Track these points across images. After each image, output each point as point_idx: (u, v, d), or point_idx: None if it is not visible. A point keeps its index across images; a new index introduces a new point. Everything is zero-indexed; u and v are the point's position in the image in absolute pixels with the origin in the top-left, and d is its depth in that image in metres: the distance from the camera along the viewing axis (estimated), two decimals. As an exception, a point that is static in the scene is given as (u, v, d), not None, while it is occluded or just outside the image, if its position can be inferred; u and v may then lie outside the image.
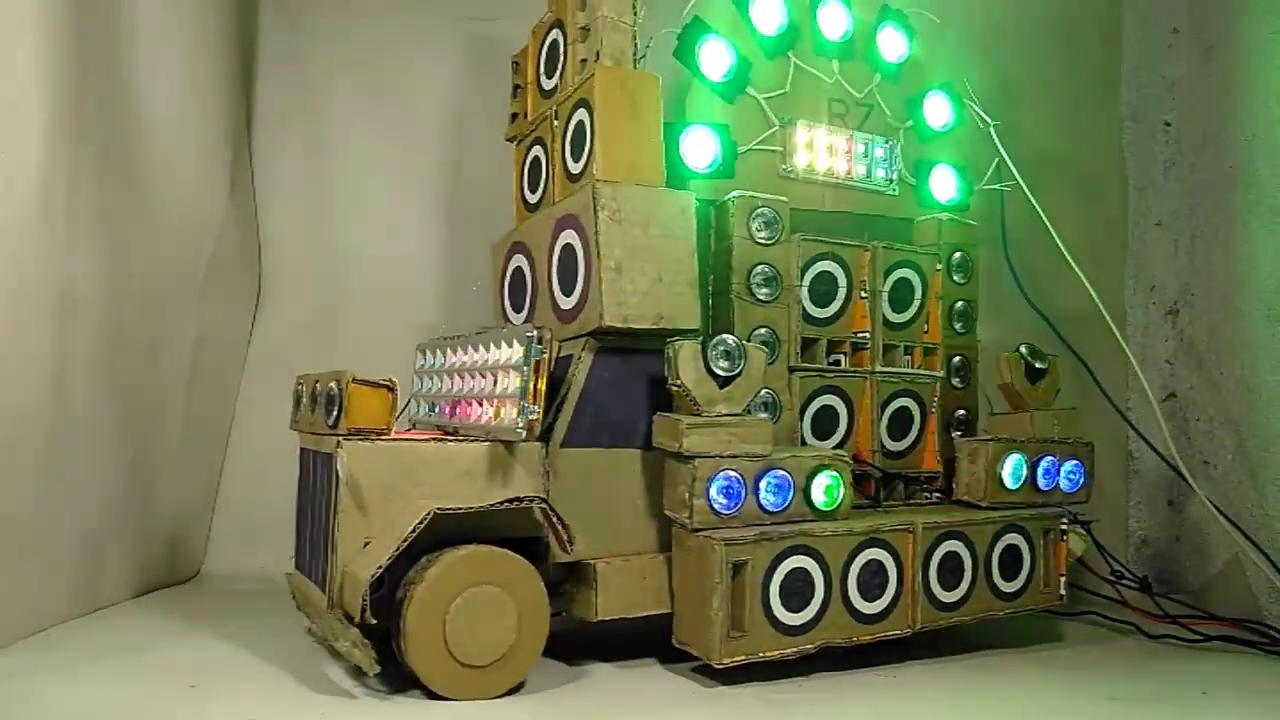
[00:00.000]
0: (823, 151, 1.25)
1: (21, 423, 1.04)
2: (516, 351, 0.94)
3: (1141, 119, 1.72)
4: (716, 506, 0.97)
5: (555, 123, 1.13)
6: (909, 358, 1.26)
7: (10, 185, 1.00)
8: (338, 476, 0.90)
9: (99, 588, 1.23)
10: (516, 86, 1.27)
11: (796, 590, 0.99)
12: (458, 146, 1.65)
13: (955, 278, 1.31)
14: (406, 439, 0.94)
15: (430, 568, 0.87)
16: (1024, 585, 1.18)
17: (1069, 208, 1.56)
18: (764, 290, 1.15)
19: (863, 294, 1.23)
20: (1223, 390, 1.54)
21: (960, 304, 1.32)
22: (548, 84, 1.16)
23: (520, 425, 0.91)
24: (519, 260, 1.19)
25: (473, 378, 1.04)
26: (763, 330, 1.14)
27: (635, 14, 1.06)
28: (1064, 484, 1.23)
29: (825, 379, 1.19)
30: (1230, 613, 1.31)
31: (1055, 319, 1.43)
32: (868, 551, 1.05)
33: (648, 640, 1.04)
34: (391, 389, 0.93)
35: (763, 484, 1.00)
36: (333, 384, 0.93)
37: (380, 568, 0.84)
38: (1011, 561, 1.17)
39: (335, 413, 0.92)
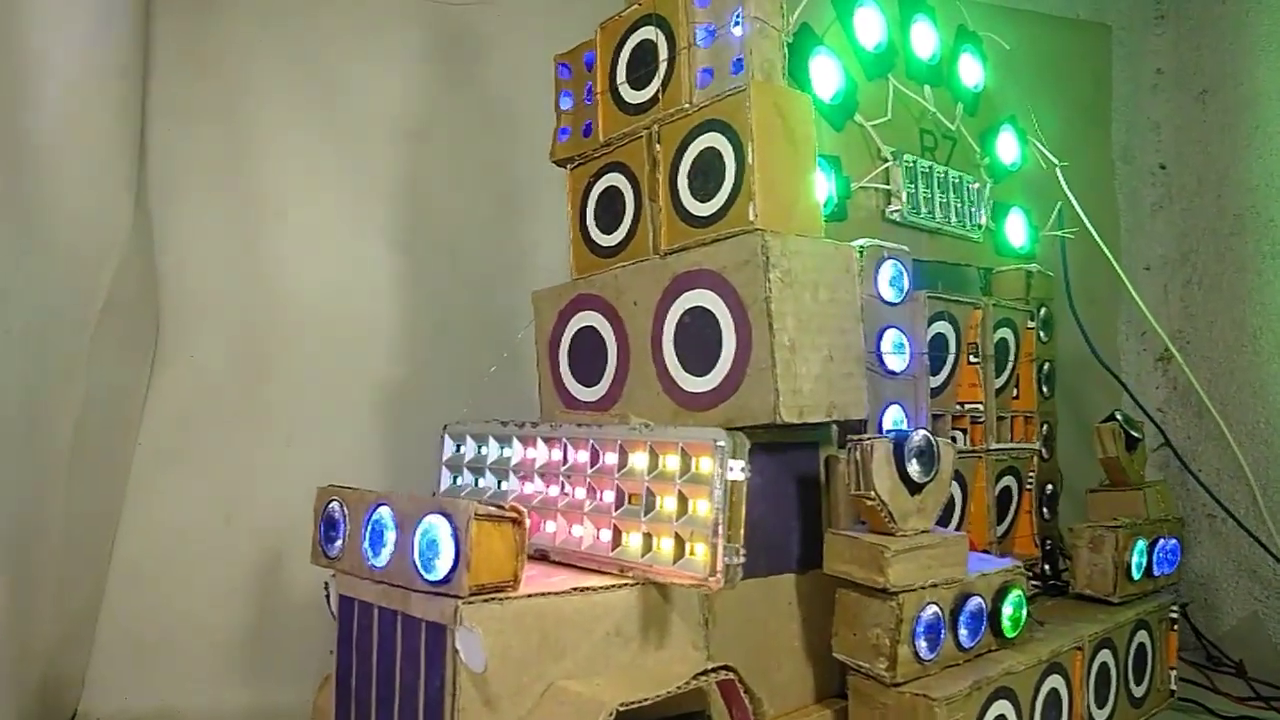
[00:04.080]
0: (922, 187, 1.07)
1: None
2: (691, 463, 0.69)
3: (1132, 160, 1.67)
4: (921, 652, 0.76)
5: (657, 147, 0.87)
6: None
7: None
8: (456, 659, 0.62)
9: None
10: (564, 95, 1.00)
11: (1002, 745, 0.80)
12: (418, 156, 1.34)
13: (1042, 336, 1.17)
14: (543, 593, 0.66)
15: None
16: (1149, 687, 1.05)
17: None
18: (894, 358, 0.95)
19: (972, 358, 1.06)
20: (1230, 441, 1.50)
21: (1046, 365, 1.18)
22: (635, 96, 0.90)
23: (719, 573, 0.65)
24: (590, 320, 0.93)
25: (589, 490, 0.77)
26: (893, 409, 0.95)
27: (784, 15, 0.83)
28: (1166, 566, 1.12)
29: (947, 462, 1.01)
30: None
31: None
32: (1049, 680, 0.87)
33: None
34: (520, 521, 0.65)
35: (962, 616, 0.80)
36: (438, 519, 0.64)
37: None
38: (1140, 662, 1.04)
39: (452, 564, 0.63)
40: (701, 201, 0.83)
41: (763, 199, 0.78)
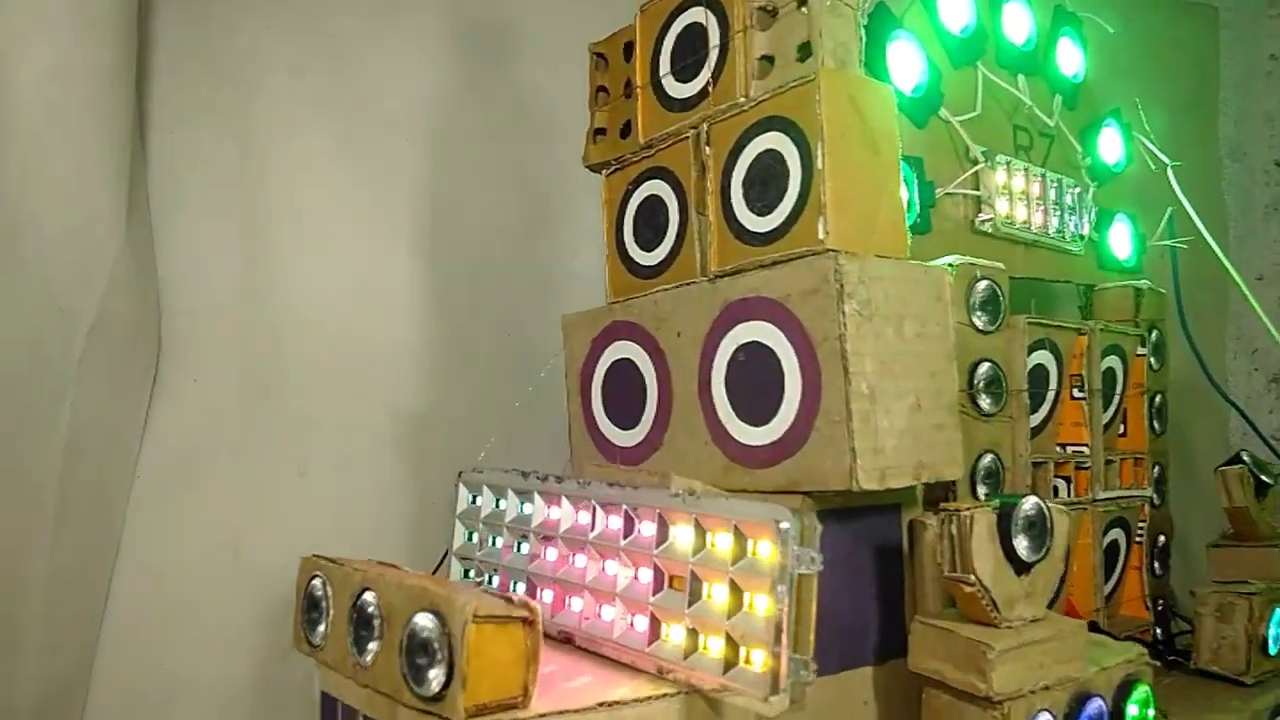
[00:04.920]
0: (1018, 194, 0.91)
1: None
2: (747, 545, 0.55)
3: (1242, 157, 1.49)
4: (1031, 772, 0.62)
5: (706, 150, 0.74)
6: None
7: None
8: (449, 799, 0.49)
9: None
10: (600, 90, 0.87)
11: None
12: (442, 157, 1.22)
13: (1153, 363, 1.01)
14: (560, 712, 0.53)
15: None
16: (1284, 782, 0.89)
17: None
18: (987, 399, 0.80)
19: (1076, 392, 0.91)
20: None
21: (1158, 397, 1.02)
22: (681, 89, 0.77)
23: (782, 690, 0.52)
24: (626, 352, 0.79)
25: (621, 563, 0.63)
26: (988, 459, 0.80)
27: (860, -9, 0.69)
28: (1301, 634, 0.95)
29: (1047, 517, 0.85)
30: None
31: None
32: (1181, 794, 0.72)
33: None
34: (531, 621, 0.52)
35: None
36: (428, 620, 0.51)
37: None
38: (1276, 755, 0.87)
39: (446, 678, 0.50)
40: (759, 215, 0.69)
41: (835, 212, 0.64)
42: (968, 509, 0.62)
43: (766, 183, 0.69)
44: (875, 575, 0.69)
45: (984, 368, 0.80)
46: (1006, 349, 0.82)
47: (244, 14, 1.15)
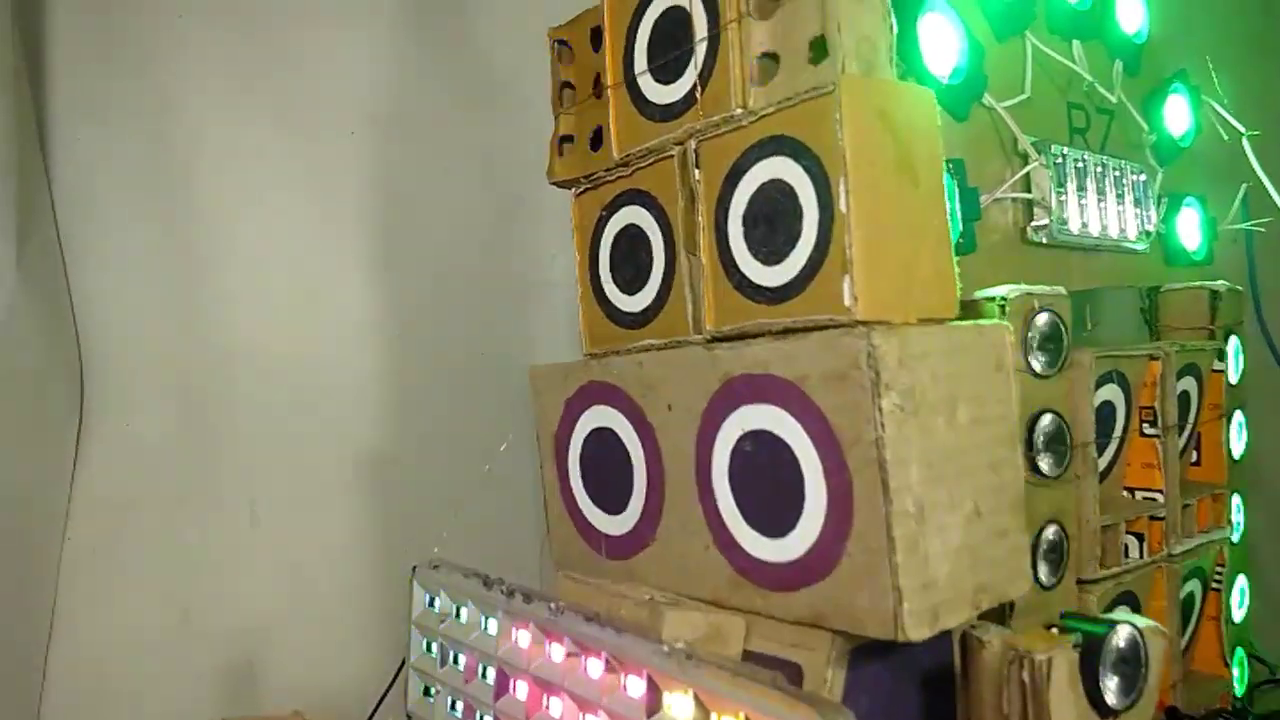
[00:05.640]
0: (1074, 192, 0.76)
1: None
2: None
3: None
4: None
5: (696, 173, 0.58)
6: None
7: None
8: None
9: None
10: (565, 86, 0.71)
11: None
12: (394, 148, 1.06)
13: (1231, 378, 0.86)
14: None
15: None
16: None
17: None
18: (1049, 458, 0.65)
19: (1146, 427, 0.76)
20: None
21: (1237, 414, 0.87)
22: (661, 93, 0.61)
23: None
24: (607, 419, 0.65)
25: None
26: (1050, 531, 0.66)
27: (890, -35, 0.52)
28: None
29: (1120, 583, 0.72)
30: None
31: None
32: None
33: None
34: None
35: None
36: None
37: None
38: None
39: None
40: (765, 263, 0.54)
41: (865, 271, 0.48)
42: (1043, 651, 0.48)
43: (773, 222, 0.53)
44: (922, 710, 0.55)
45: (1045, 420, 0.65)
46: (1070, 393, 0.68)
47: (152, -3, 0.98)
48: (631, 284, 0.64)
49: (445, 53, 1.07)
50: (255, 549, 1.01)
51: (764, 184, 0.54)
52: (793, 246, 0.52)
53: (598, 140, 0.67)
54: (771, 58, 0.55)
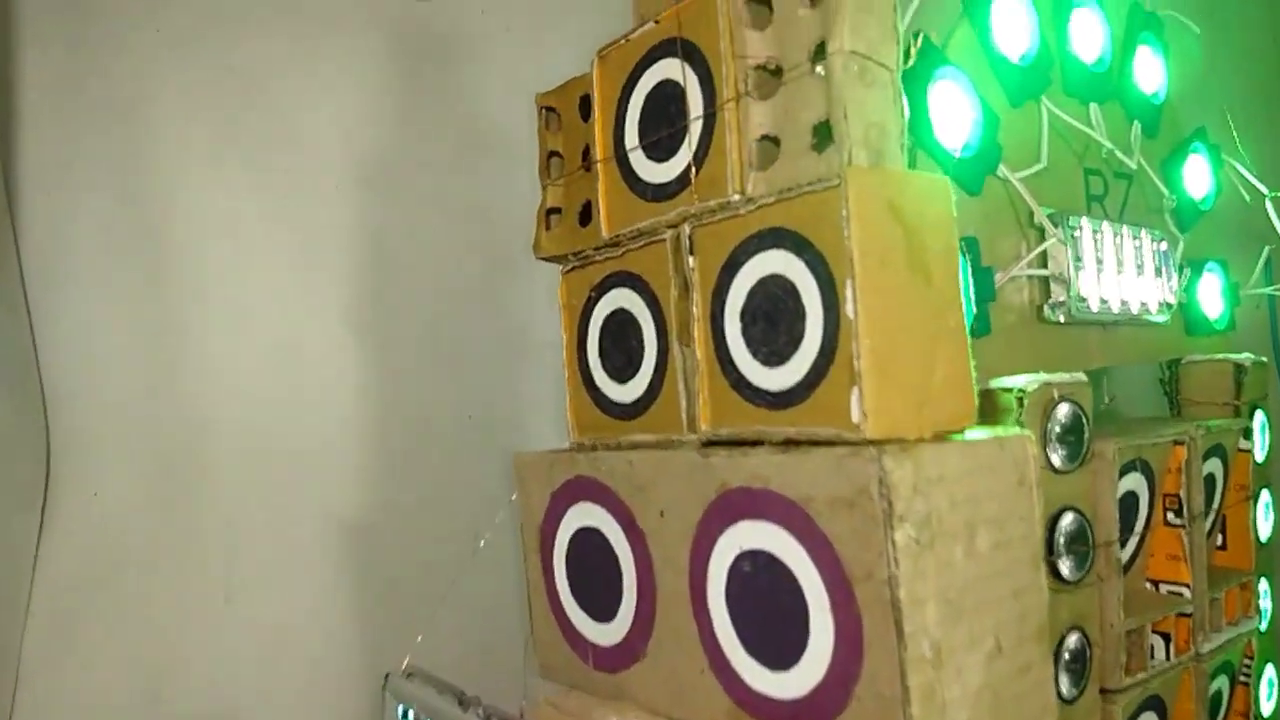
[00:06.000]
0: (1093, 266, 0.71)
1: None
2: None
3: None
4: None
5: (690, 261, 0.54)
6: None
7: None
8: None
9: None
10: (553, 155, 0.67)
11: None
12: (381, 205, 1.02)
13: (1257, 456, 0.82)
14: None
15: None
16: None
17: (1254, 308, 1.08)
18: (1070, 561, 0.61)
19: (1171, 517, 0.72)
20: None
21: (1264, 495, 0.82)
22: (654, 171, 0.57)
23: None
24: (594, 518, 0.60)
25: None
26: (1073, 640, 0.61)
27: (900, 42, 0.48)
28: None
29: (1146, 689, 0.67)
30: None
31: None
32: None
33: None
34: None
35: None
36: None
37: None
38: None
39: None
40: (765, 364, 0.49)
41: (875, 384, 0.44)
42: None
43: (774, 320, 0.49)
44: None
45: (1066, 520, 0.61)
46: (1093, 488, 0.63)
47: (129, 47, 0.94)
48: (622, 372, 0.60)
49: (435, 106, 1.03)
50: (229, 626, 0.96)
51: (764, 278, 0.49)
52: (795, 349, 0.47)
53: (587, 215, 0.63)
54: (772, 140, 0.50)
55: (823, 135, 0.47)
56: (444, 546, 0.97)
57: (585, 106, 0.63)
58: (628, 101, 0.58)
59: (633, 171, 0.58)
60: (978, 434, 0.48)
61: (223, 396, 0.96)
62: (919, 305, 0.46)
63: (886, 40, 0.47)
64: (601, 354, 0.62)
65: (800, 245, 0.47)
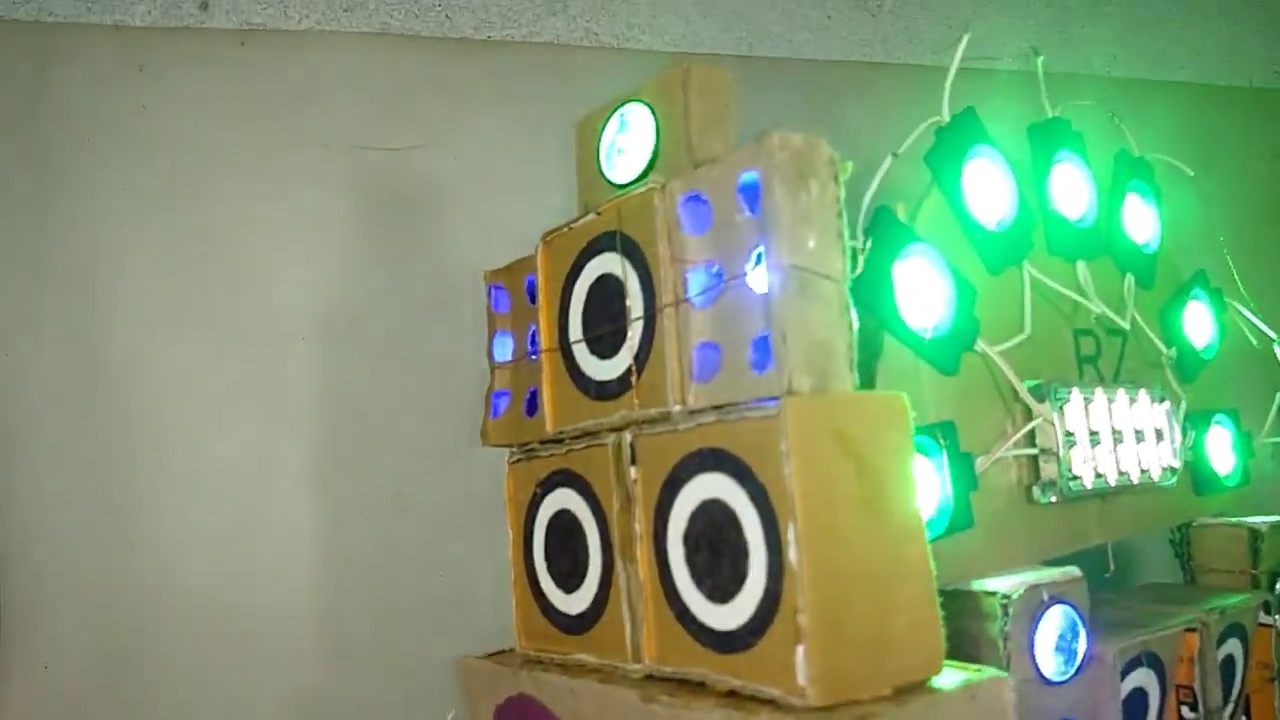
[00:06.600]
0: (1086, 440, 0.66)
1: None
2: None
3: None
4: None
5: (632, 471, 0.49)
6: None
7: None
8: None
9: None
10: (499, 335, 0.63)
11: None
12: (346, 359, 0.98)
13: (1281, 629, 0.75)
14: None
15: None
16: None
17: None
18: (1072, 787, 0.54)
19: (1185, 711, 0.65)
20: None
21: (1291, 674, 0.75)
22: (597, 368, 0.53)
23: None
24: (540, 743, 0.54)
25: None
26: None
27: (848, 250, 0.44)
28: None
29: None
30: None
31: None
32: None
33: None
34: None
35: None
36: None
37: None
38: None
39: None
40: (710, 598, 0.44)
41: (822, 643, 0.39)
42: None
43: (717, 552, 0.44)
44: None
45: (1065, 740, 0.54)
46: (1091, 699, 0.57)
47: (95, 208, 0.93)
48: (568, 579, 0.55)
49: (403, 253, 1.01)
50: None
51: (705, 502, 0.45)
52: (739, 588, 0.43)
53: (534, 404, 0.59)
54: (713, 348, 0.46)
55: (762, 355, 0.43)
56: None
57: (533, 289, 0.60)
58: (571, 290, 0.55)
59: (577, 365, 0.54)
60: (947, 679, 0.42)
61: (179, 569, 0.92)
62: (874, 544, 0.41)
63: (830, 248, 0.43)
64: (548, 558, 0.57)
65: (742, 473, 0.43)
